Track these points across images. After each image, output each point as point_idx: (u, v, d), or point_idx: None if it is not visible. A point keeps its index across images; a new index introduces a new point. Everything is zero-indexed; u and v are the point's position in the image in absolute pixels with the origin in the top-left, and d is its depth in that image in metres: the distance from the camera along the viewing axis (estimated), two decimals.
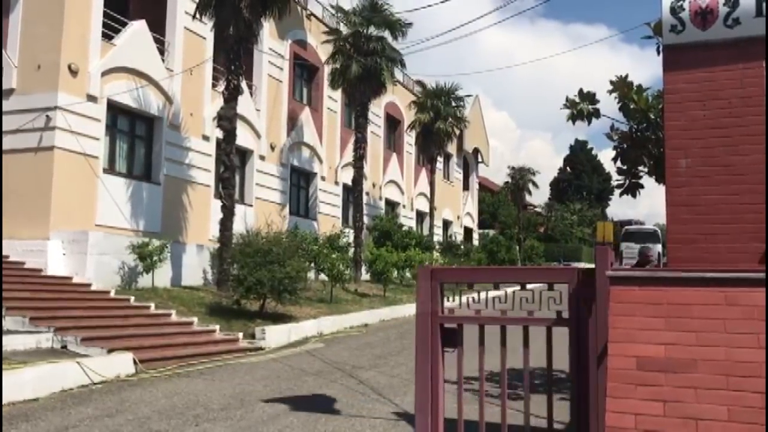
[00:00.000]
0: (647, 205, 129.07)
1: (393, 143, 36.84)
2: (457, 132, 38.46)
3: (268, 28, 23.60)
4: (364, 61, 25.38)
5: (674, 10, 5.56)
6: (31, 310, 11.90)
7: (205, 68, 21.13)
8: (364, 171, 27.09)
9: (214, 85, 21.35)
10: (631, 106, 8.37)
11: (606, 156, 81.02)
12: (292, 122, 26.50)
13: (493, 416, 5.09)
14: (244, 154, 23.36)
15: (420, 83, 38.97)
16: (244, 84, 20.15)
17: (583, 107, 8.72)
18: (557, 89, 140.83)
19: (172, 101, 19.57)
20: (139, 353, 11.22)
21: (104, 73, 17.32)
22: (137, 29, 18.61)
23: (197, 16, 18.85)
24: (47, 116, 15.98)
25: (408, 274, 27.33)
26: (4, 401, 8.16)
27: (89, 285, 14.99)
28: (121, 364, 10.71)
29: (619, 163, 8.84)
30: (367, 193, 30.38)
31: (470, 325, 5.09)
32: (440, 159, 39.74)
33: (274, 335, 14.71)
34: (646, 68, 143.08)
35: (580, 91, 8.82)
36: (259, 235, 17.05)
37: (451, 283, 5.32)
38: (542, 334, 5.00)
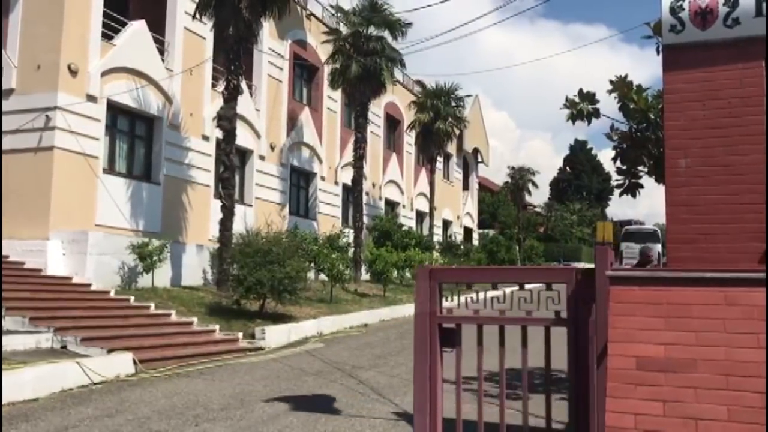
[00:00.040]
0: (647, 205, 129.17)
1: (393, 143, 36.85)
2: (457, 132, 38.46)
3: (267, 28, 23.60)
4: (364, 61, 25.39)
5: (674, 10, 5.56)
6: (30, 310, 11.89)
7: (205, 68, 21.14)
8: (363, 171, 27.09)
9: (213, 85, 21.36)
10: (631, 106, 8.37)
11: (606, 156, 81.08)
12: (292, 122, 26.51)
13: (492, 416, 5.09)
14: (244, 154, 23.36)
15: (420, 83, 38.98)
16: (243, 84, 20.15)
17: (582, 107, 8.72)
18: (557, 89, 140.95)
19: (171, 101, 19.57)
20: (139, 353, 11.22)
21: (104, 73, 17.32)
22: (137, 29, 18.61)
23: (197, 16, 18.85)
24: (47, 116, 15.98)
25: (408, 274, 27.33)
26: (4, 401, 8.16)
27: (89, 285, 14.99)
28: (121, 364, 10.71)
29: (618, 163, 8.84)
30: (367, 193, 30.38)
31: (469, 325, 5.09)
32: (440, 159, 39.74)
33: (274, 335, 14.71)
34: (645, 68, 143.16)
35: (580, 91, 8.82)
36: (258, 235, 17.05)
37: (450, 283, 5.32)
38: (541, 334, 5.00)
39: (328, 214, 29.05)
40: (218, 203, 18.79)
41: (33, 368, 9.20)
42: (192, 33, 20.52)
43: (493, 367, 5.03)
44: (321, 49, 27.94)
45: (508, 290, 5.05)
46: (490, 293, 5.12)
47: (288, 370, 11.48)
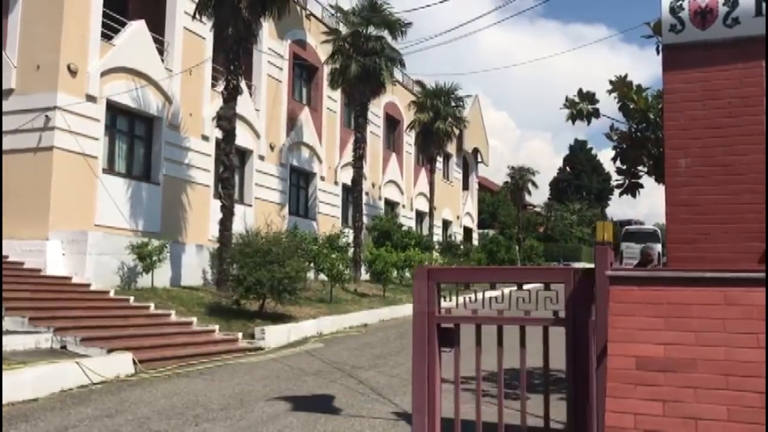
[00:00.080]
0: (647, 204, 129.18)
1: (392, 143, 36.85)
2: (457, 132, 38.48)
3: (267, 28, 23.60)
4: (364, 60, 25.39)
5: (674, 10, 5.56)
6: (30, 311, 11.89)
7: (205, 68, 21.14)
8: (363, 171, 27.10)
9: (213, 85, 21.36)
10: (631, 106, 8.38)
11: (605, 156, 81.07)
12: (292, 122, 26.51)
13: (491, 416, 5.09)
14: (244, 154, 23.36)
15: (419, 83, 38.99)
16: (243, 84, 20.15)
17: (582, 107, 8.72)
18: (557, 89, 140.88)
19: (171, 101, 19.57)
20: (139, 353, 11.22)
21: (103, 73, 17.32)
22: (136, 29, 18.61)
23: (196, 16, 18.86)
24: (46, 116, 15.98)
25: (407, 274, 27.33)
26: (4, 401, 8.16)
27: (89, 285, 14.99)
28: (121, 364, 10.71)
29: (618, 163, 8.84)
30: (367, 193, 30.38)
31: (468, 325, 5.09)
32: (440, 159, 39.76)
33: (274, 335, 14.71)
34: (645, 68, 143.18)
35: (580, 91, 8.82)
36: (258, 235, 17.05)
37: (448, 283, 5.32)
38: (540, 333, 5.00)
39: (328, 214, 29.05)
40: (218, 203, 18.79)
41: (33, 368, 9.20)
42: (191, 33, 20.52)
43: (492, 367, 5.04)
44: (320, 49, 27.94)
45: (506, 290, 5.05)
46: (489, 293, 5.12)
47: (288, 370, 11.48)
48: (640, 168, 8.77)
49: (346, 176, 29.32)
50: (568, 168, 75.10)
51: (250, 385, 10.12)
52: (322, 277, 21.47)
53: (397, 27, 26.08)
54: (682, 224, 5.43)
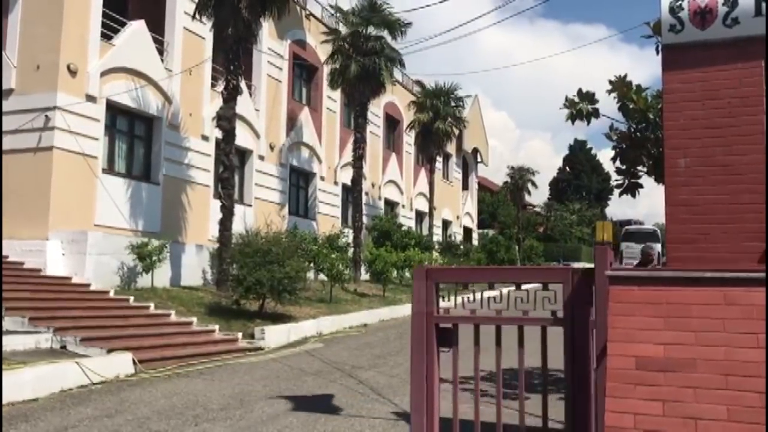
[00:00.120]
0: (646, 204, 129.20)
1: (392, 143, 36.85)
2: (457, 132, 38.48)
3: (267, 28, 23.60)
4: (363, 60, 25.39)
5: (673, 10, 5.56)
6: (30, 311, 11.89)
7: (204, 68, 21.14)
8: (363, 171, 27.10)
9: (213, 85, 21.36)
10: (630, 106, 8.38)
11: (605, 156, 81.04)
12: (292, 122, 26.51)
13: (490, 416, 5.09)
14: (244, 154, 23.36)
15: (419, 83, 38.99)
16: (243, 84, 20.16)
17: (582, 107, 8.73)
18: (556, 89, 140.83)
19: (171, 101, 19.57)
20: (139, 353, 11.22)
21: (103, 74, 17.32)
22: (136, 29, 18.61)
23: (196, 16, 18.86)
24: (46, 116, 15.98)
25: (407, 274, 27.32)
26: (4, 401, 8.16)
27: (88, 285, 14.99)
28: (121, 364, 10.71)
29: (618, 163, 8.84)
30: (367, 193, 30.38)
31: (466, 325, 5.09)
32: (439, 159, 39.77)
33: (274, 335, 14.71)
34: (645, 68, 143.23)
35: (579, 91, 8.82)
36: (258, 235, 17.05)
37: (446, 283, 5.32)
38: (539, 333, 5.00)
39: (328, 214, 29.05)
40: (218, 203, 18.79)
41: (32, 368, 9.20)
42: (191, 33, 20.52)
43: (491, 367, 5.04)
44: (320, 49, 27.94)
45: (505, 290, 5.05)
46: (487, 293, 5.13)
47: (287, 370, 11.48)
48: (639, 168, 8.78)
49: (346, 176, 29.32)
50: (567, 168, 75.09)
51: (249, 385, 10.12)
52: (322, 277, 21.47)
53: (396, 27, 26.08)
54: (681, 224, 5.43)
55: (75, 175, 16.42)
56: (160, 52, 19.55)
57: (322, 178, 28.83)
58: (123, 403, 8.74)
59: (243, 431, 7.47)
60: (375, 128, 32.93)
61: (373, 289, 24.39)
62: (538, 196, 69.07)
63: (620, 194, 9.00)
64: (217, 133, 19.68)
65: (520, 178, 53.42)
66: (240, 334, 14.46)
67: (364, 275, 25.63)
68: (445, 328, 5.14)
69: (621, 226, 33.55)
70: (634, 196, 8.84)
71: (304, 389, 9.85)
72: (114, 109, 18.09)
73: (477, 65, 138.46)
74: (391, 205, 35.81)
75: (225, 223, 18.05)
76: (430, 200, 36.72)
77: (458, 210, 45.90)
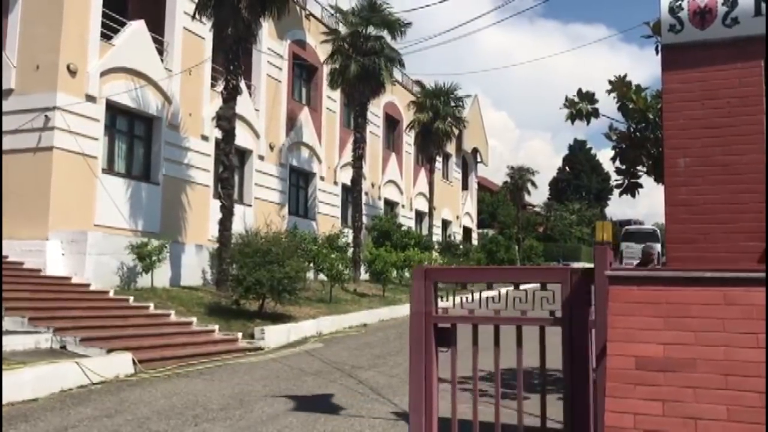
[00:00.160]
0: (646, 204, 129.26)
1: (392, 143, 36.85)
2: (456, 132, 38.48)
3: (267, 28, 23.60)
4: (363, 60, 25.38)
5: (673, 10, 5.56)
6: (30, 311, 11.89)
7: (204, 68, 21.13)
8: (363, 171, 27.10)
9: (213, 85, 21.36)
10: (630, 106, 8.38)
11: (605, 156, 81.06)
12: (291, 122, 26.51)
13: (488, 416, 5.09)
14: (243, 154, 23.36)
15: (419, 83, 38.99)
16: (243, 84, 20.16)
17: (582, 107, 8.73)
18: (556, 89, 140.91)
19: (171, 101, 19.57)
20: (138, 353, 11.22)
21: (103, 74, 17.32)
22: (136, 29, 18.61)
23: (196, 16, 18.86)
24: (46, 116, 15.98)
25: (407, 274, 27.30)
26: (4, 401, 8.15)
27: (88, 285, 14.99)
28: (121, 364, 10.71)
29: (618, 163, 8.84)
30: (366, 193, 30.38)
31: (465, 324, 5.09)
32: (439, 159, 39.77)
33: (273, 335, 14.71)
34: (644, 68, 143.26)
35: (579, 91, 8.82)
36: (258, 235, 17.05)
37: (445, 282, 5.32)
38: (538, 333, 5.00)
39: (328, 214, 29.05)
40: (217, 203, 18.79)
41: (32, 368, 9.20)
42: (191, 33, 20.52)
43: (491, 367, 5.04)
44: (320, 49, 27.95)
45: (503, 290, 5.05)
46: (486, 293, 5.13)
47: (287, 370, 11.48)
48: (639, 168, 8.77)
49: (346, 176, 29.32)
50: (567, 168, 75.10)
51: (249, 385, 10.12)
52: (322, 277, 21.47)
53: (396, 27, 26.07)
54: (681, 224, 5.43)
55: (75, 175, 16.42)
56: (160, 52, 19.55)
57: (322, 178, 28.83)
58: (123, 403, 8.74)
59: (243, 431, 7.47)
60: (375, 128, 32.93)
61: (372, 289, 24.39)
62: (538, 196, 69.15)
63: (620, 194, 9.00)
64: (217, 133, 19.68)
65: (520, 178, 53.44)
66: (240, 334, 14.46)
67: (364, 275, 25.63)
68: (444, 328, 5.14)
69: (621, 226, 33.58)
70: (633, 196, 8.84)
71: (303, 389, 9.85)
72: (114, 109, 18.09)
73: (477, 65, 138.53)
74: (390, 205, 35.81)
75: (225, 223, 18.05)
76: (430, 200, 36.72)
77: (458, 210, 45.90)
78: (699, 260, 5.17)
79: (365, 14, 26.02)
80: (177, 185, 19.82)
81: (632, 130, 8.62)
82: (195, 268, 18.85)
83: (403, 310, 20.83)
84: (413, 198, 38.43)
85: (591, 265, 4.67)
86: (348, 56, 25.57)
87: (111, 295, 14.94)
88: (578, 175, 73.34)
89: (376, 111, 32.69)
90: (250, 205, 23.26)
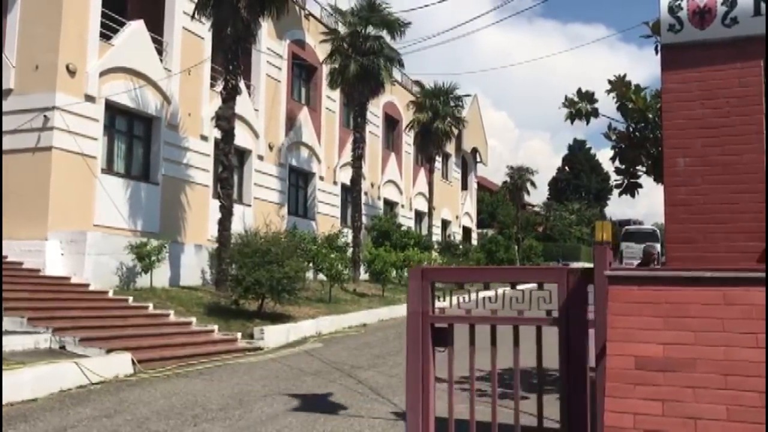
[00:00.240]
0: (646, 204, 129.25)
1: (391, 143, 36.84)
2: (456, 132, 38.46)
3: (266, 28, 23.58)
4: (363, 60, 25.36)
5: (672, 10, 5.56)
6: (29, 311, 11.89)
7: (204, 68, 21.12)
8: (362, 171, 27.08)
9: (212, 85, 21.35)
10: (630, 106, 8.38)
11: (604, 155, 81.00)
12: (291, 122, 26.50)
13: (486, 415, 5.09)
14: (243, 154, 23.35)
15: (418, 83, 38.98)
16: (242, 84, 20.15)
17: (581, 107, 8.73)
18: (556, 89, 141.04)
19: (170, 101, 19.56)
20: (138, 353, 11.22)
21: (102, 74, 17.31)
22: (135, 29, 18.60)
23: (195, 16, 18.86)
24: (45, 116, 15.97)
25: (406, 274, 27.25)
26: (3, 402, 8.14)
27: (87, 285, 14.98)
28: (120, 364, 10.71)
29: (617, 163, 8.84)
30: (366, 193, 30.38)
31: (462, 324, 5.09)
32: (439, 159, 39.75)
33: (273, 335, 14.71)
34: (644, 68, 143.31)
35: (579, 91, 8.83)
36: (257, 235, 17.04)
37: (442, 282, 5.32)
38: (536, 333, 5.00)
39: (327, 213, 29.04)
40: (217, 203, 18.78)
41: (32, 369, 9.19)
42: (190, 33, 20.51)
43: (488, 367, 5.04)
44: (319, 49, 27.94)
45: (500, 290, 5.06)
46: (483, 293, 5.13)
47: (287, 370, 11.48)
48: (638, 168, 8.77)
49: (345, 176, 29.31)
50: (567, 168, 75.12)
51: (249, 385, 10.12)
52: (321, 277, 21.46)
53: (395, 27, 26.06)
54: (681, 224, 5.43)
55: (74, 175, 16.41)
56: (159, 52, 19.54)
57: (322, 178, 28.82)
58: (122, 403, 8.74)
59: (242, 431, 7.46)
60: (374, 128, 32.92)
61: (372, 288, 24.39)
62: (538, 195, 69.17)
63: (619, 194, 9.00)
64: (216, 133, 19.67)
65: (520, 177, 53.43)
66: (239, 334, 14.45)
67: (364, 275, 25.62)
68: (441, 328, 5.14)
69: (620, 226, 33.66)
70: (633, 195, 8.84)
71: (303, 389, 9.85)
72: (113, 109, 18.08)
73: (476, 65, 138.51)
74: (390, 204, 35.80)
75: (224, 223, 18.04)
76: (430, 200, 36.71)
77: (457, 210, 45.89)
78: (699, 260, 5.17)
79: (364, 14, 26.00)
80: (176, 185, 19.82)
81: (631, 129, 8.62)
82: (194, 268, 18.84)
83: (402, 310, 20.73)
84: (413, 198, 38.42)
85: (590, 265, 4.67)
86: (347, 56, 25.56)
87: (110, 295, 14.93)
88: (578, 175, 73.36)
89: (375, 111, 32.69)
90: (249, 205, 23.26)
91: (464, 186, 47.81)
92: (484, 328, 5.00)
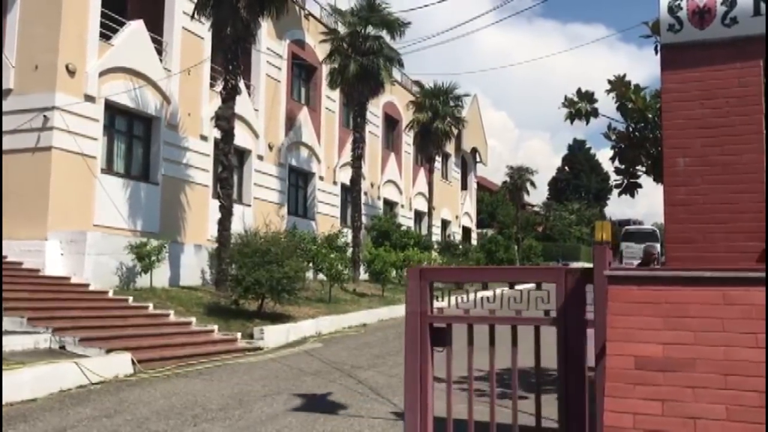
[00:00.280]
0: (645, 204, 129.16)
1: (391, 143, 36.83)
2: (456, 132, 38.45)
3: (266, 28, 23.58)
4: (362, 60, 25.36)
5: (672, 10, 5.56)
6: (29, 311, 11.88)
7: (203, 68, 21.12)
8: (362, 171, 27.07)
9: (212, 85, 21.34)
10: (629, 106, 8.38)
11: (604, 155, 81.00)
12: (291, 122, 26.49)
13: (484, 415, 5.10)
14: (242, 154, 23.35)
15: (418, 83, 38.97)
16: (242, 84, 20.14)
17: (581, 106, 8.73)
18: (555, 89, 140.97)
19: (169, 101, 19.56)
20: (138, 353, 11.21)
21: (102, 73, 17.31)
22: (135, 29, 18.59)
23: (195, 15, 18.85)
24: (45, 116, 15.97)
25: (406, 274, 27.26)
26: (3, 402, 8.14)
27: (87, 285, 14.97)
28: (120, 364, 10.70)
29: (617, 163, 8.84)
30: (366, 193, 30.37)
31: (460, 324, 5.09)
32: (438, 159, 39.74)
33: (273, 335, 14.71)
34: (644, 67, 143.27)
35: (578, 91, 8.83)
36: (257, 235, 17.04)
37: (441, 282, 5.33)
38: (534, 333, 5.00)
39: (327, 213, 29.04)
40: (216, 203, 18.78)
41: (31, 369, 9.19)
42: (190, 33, 20.50)
43: (486, 366, 5.04)
44: (319, 49, 27.93)
45: (498, 290, 5.06)
46: (481, 293, 5.13)
47: (286, 370, 11.48)
48: (638, 168, 8.78)
49: (345, 176, 29.30)
50: (566, 168, 75.13)
51: (248, 385, 10.12)
52: (321, 277, 21.46)
53: (395, 27, 26.05)
54: (680, 224, 5.43)
55: (74, 175, 16.40)
56: (159, 51, 19.54)
57: (321, 178, 28.82)
58: (122, 403, 8.74)
59: (242, 431, 7.46)
60: (374, 128, 32.92)
61: (372, 288, 24.39)
62: (537, 195, 69.16)
63: (619, 194, 9.00)
64: (216, 133, 19.67)
65: (519, 177, 53.42)
66: (239, 334, 14.45)
67: (363, 275, 25.62)
68: (439, 328, 5.15)
69: (620, 226, 33.67)
70: (633, 195, 8.84)
71: (303, 389, 9.85)
72: (113, 109, 18.07)
73: (475, 65, 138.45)
74: (390, 204, 35.80)
75: (224, 223, 18.03)
76: (429, 200, 36.71)
77: (457, 210, 45.89)
78: (698, 260, 5.17)
79: (364, 14, 26.00)
80: (176, 185, 19.81)
81: (631, 129, 8.62)
82: (194, 268, 18.84)
83: (402, 310, 20.60)
84: (412, 198, 38.42)
85: (590, 265, 4.67)
86: (347, 56, 25.56)
87: (110, 295, 14.93)
88: (577, 175, 73.37)
89: (375, 111, 32.68)
90: (249, 205, 23.25)
91: (464, 186, 47.81)
92: (483, 328, 5.01)
